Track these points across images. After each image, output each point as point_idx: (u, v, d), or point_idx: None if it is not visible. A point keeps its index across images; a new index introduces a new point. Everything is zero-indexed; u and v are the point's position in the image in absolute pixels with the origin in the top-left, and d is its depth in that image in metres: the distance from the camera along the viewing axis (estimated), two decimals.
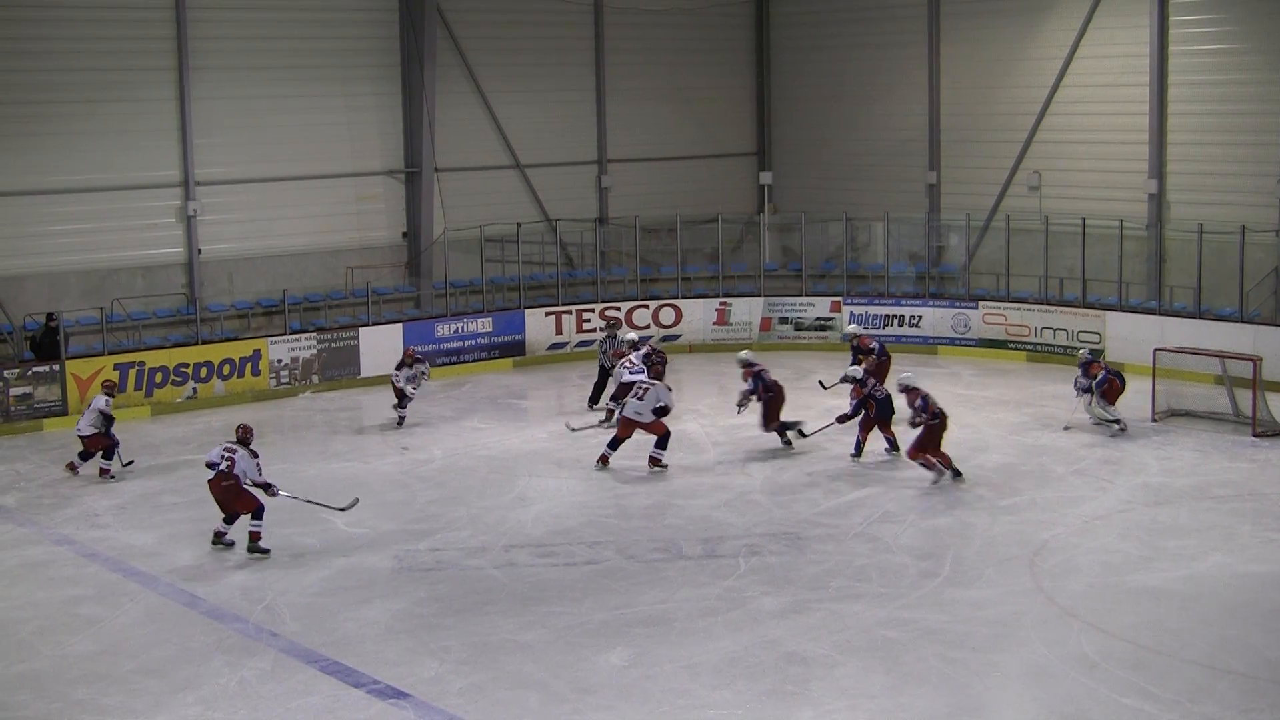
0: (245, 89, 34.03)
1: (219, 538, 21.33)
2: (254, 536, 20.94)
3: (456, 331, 34.48)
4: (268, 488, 21.11)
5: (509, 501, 23.56)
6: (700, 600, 18.79)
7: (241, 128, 34.05)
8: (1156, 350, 29.00)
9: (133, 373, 30.29)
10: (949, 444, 24.35)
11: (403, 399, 29.10)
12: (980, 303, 35.53)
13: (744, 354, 27.34)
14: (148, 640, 17.90)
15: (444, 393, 32.21)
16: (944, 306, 35.93)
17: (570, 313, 36.05)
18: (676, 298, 37.08)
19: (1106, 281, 34.06)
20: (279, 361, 32.01)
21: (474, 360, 34.69)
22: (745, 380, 26.70)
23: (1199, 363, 28.89)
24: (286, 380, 32.09)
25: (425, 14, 35.48)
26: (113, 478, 25.48)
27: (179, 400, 30.80)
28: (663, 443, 25.45)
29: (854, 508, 22.69)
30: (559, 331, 35.89)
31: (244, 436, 21.46)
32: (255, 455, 21.28)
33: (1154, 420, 27.73)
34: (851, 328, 31.74)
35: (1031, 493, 23.44)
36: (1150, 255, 34.35)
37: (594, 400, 30.37)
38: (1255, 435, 26.87)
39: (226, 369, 31.42)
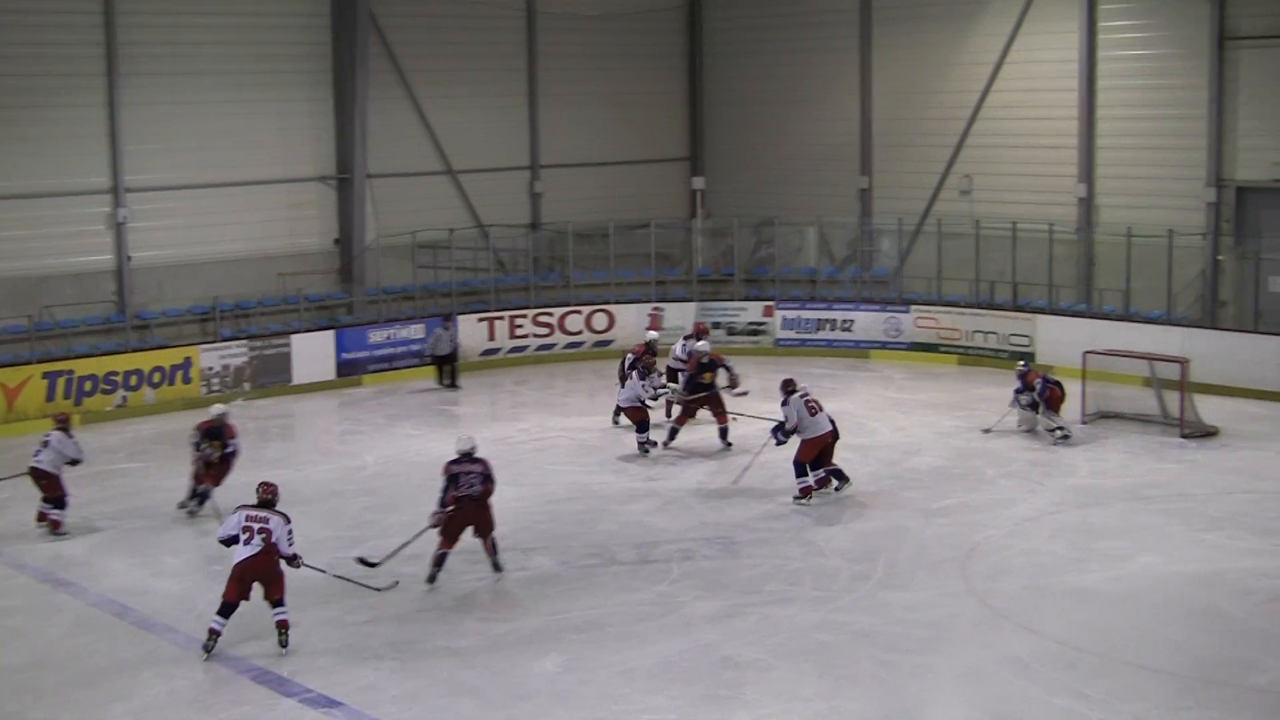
0: (176, 95, 33.75)
1: (214, 639, 17.30)
2: (285, 625, 17.44)
3: (389, 338, 34.33)
4: (294, 560, 17.60)
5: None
6: (634, 605, 18.77)
7: (172, 134, 33.77)
8: (1086, 353, 29.15)
9: (62, 381, 29.99)
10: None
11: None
12: (912, 306, 35.71)
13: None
14: (77, 651, 17.70)
15: (376, 399, 32.10)
16: (876, 310, 36.06)
17: (503, 319, 35.93)
18: (609, 303, 37.07)
19: (1037, 285, 34.29)
20: (210, 369, 31.77)
21: (406, 367, 34.50)
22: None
23: (1128, 365, 29.05)
24: (218, 388, 31.83)
25: (357, 19, 35.34)
26: (65, 534, 22.51)
27: (109, 409, 30.52)
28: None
29: (787, 512, 22.71)
30: (491, 337, 35.77)
31: (269, 497, 17.71)
32: (287, 520, 17.60)
33: (1084, 422, 27.91)
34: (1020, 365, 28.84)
35: (963, 495, 23.53)
36: (1080, 259, 34.63)
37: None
38: (1183, 436, 27.08)
39: (157, 377, 31.15)
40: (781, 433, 23.54)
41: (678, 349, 29.24)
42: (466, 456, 19.85)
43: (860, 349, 35.60)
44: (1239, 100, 32.27)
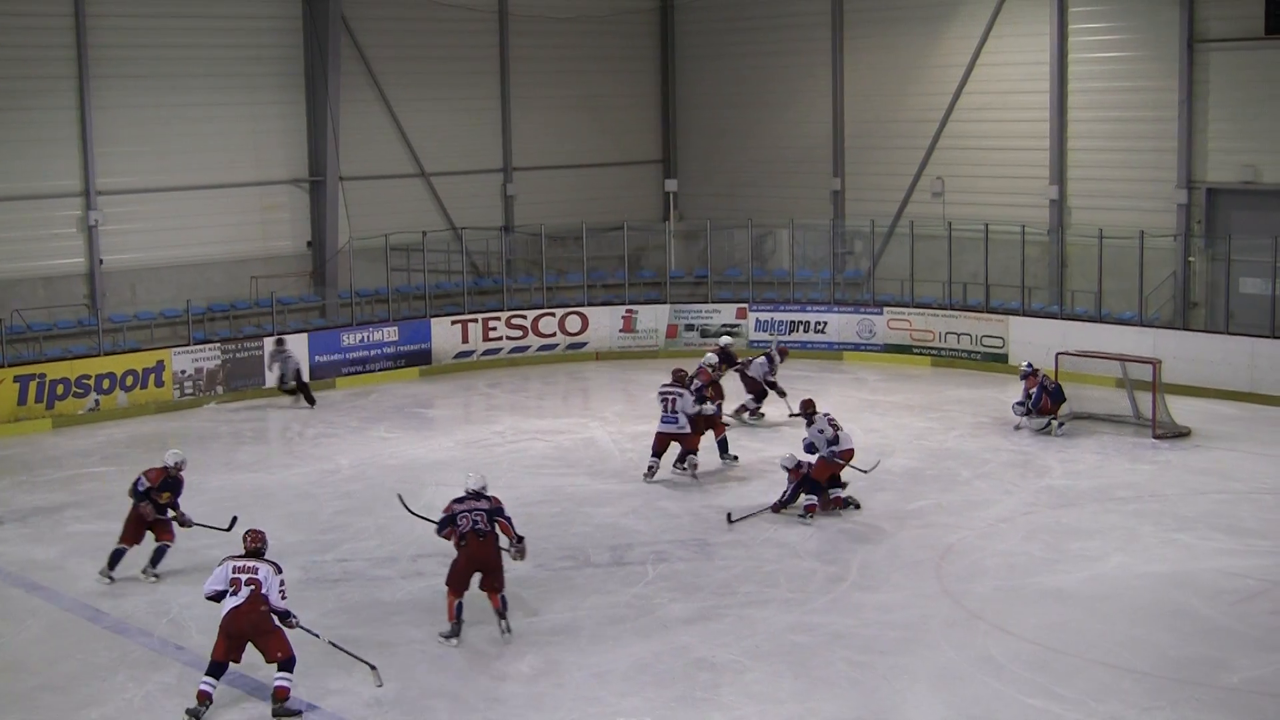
0: (147, 98, 33.67)
1: (204, 703, 15.69)
2: (283, 694, 15.76)
3: (362, 341, 34.26)
4: (287, 617, 15.98)
5: (417, 511, 23.41)
6: (609, 608, 18.78)
7: (144, 137, 33.70)
8: (1059, 354, 29.27)
9: (34, 384, 29.85)
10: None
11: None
12: (885, 308, 35.77)
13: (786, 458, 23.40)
14: (50, 656, 17.62)
15: (349, 402, 32.07)
16: (849, 312, 36.12)
17: (476, 321, 35.89)
18: (582, 305, 37.02)
19: (1009, 286, 34.38)
20: (183, 372, 31.66)
21: (380, 369, 34.47)
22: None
23: (1100, 366, 29.20)
24: (190, 391, 31.74)
25: (329, 22, 35.28)
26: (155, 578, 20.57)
27: (81, 412, 30.38)
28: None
29: (760, 515, 22.73)
30: (465, 340, 35.72)
31: (257, 545, 16.21)
32: (278, 569, 16.06)
33: (1058, 423, 27.91)
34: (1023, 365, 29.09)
35: (937, 497, 23.59)
36: (1052, 260, 34.74)
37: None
38: (1155, 437, 27.19)
39: (129, 380, 31.03)
40: (806, 450, 23.34)
41: (760, 366, 29.12)
42: (473, 495, 17.99)
43: (834, 351, 35.66)
44: (1209, 102, 32.39)
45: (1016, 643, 17.32)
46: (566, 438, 28.46)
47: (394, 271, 36.45)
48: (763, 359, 29.33)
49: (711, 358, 27.87)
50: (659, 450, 25.01)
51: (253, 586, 15.74)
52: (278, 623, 15.88)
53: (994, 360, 33.68)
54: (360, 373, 34.15)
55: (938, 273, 35.53)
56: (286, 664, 15.77)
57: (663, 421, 24.88)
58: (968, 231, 35.18)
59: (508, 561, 18.12)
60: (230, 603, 15.79)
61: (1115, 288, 32.94)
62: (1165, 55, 32.77)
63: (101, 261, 32.93)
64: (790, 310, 36.60)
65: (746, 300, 37.09)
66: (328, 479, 25.66)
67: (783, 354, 29.94)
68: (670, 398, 24.90)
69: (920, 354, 34.95)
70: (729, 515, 22.49)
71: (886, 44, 38.34)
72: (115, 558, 20.34)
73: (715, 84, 42.50)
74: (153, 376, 31.30)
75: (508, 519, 18.03)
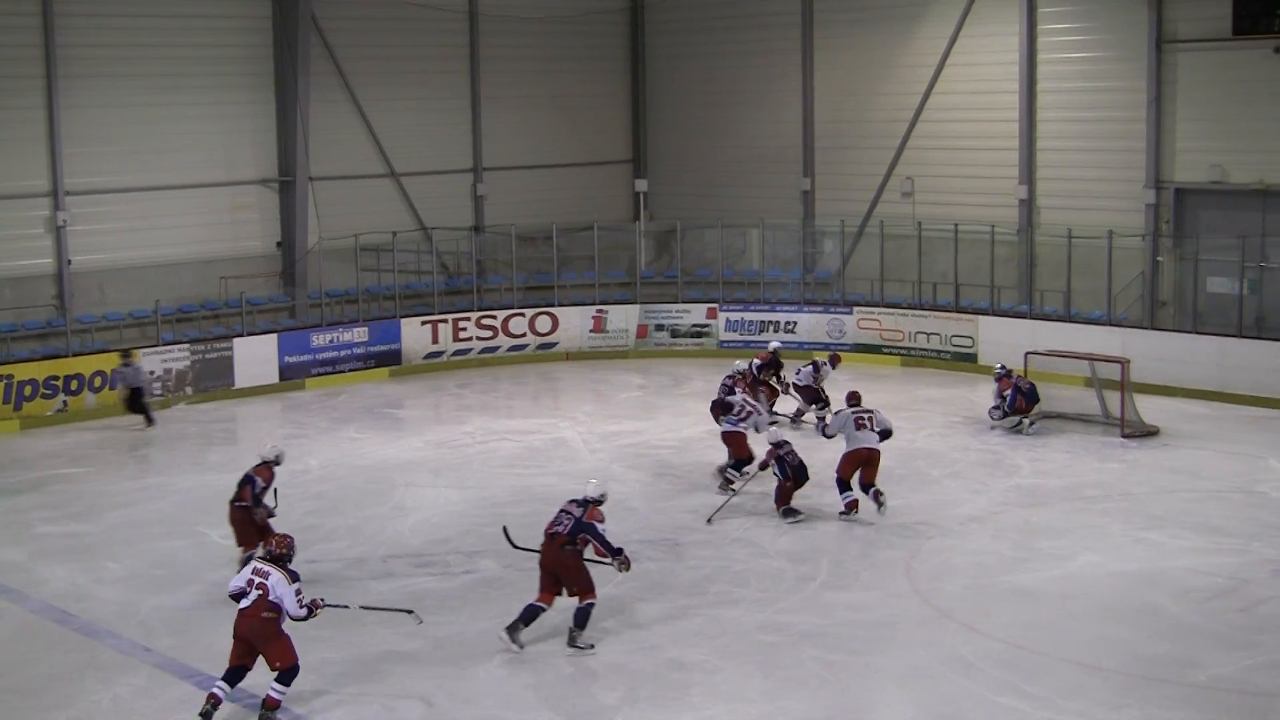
0: (116, 97, 33.51)
1: (211, 705, 15.53)
2: (272, 704, 15.58)
3: (332, 341, 34.20)
4: (311, 612, 15.93)
5: (386, 512, 23.43)
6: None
7: (112, 137, 33.54)
8: (1028, 353, 29.40)
9: (1, 386, 29.70)
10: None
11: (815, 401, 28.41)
12: (855, 308, 35.86)
13: (773, 430, 23.76)
14: (19, 658, 17.57)
15: (319, 403, 32.03)
16: (819, 312, 36.20)
17: (446, 321, 35.87)
18: (553, 305, 37.02)
19: (979, 286, 34.48)
20: (152, 373, 31.53)
21: (350, 370, 34.41)
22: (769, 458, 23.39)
23: (1069, 365, 29.31)
24: (160, 392, 31.62)
25: (299, 22, 35.19)
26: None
27: (49, 413, 30.27)
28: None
29: (731, 513, 22.72)
30: (435, 340, 35.70)
31: (279, 551, 16.06)
32: (295, 578, 15.91)
33: (1029, 422, 27.96)
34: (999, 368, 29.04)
35: (907, 496, 23.59)
36: (1021, 260, 34.87)
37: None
38: (1124, 436, 27.32)
39: (98, 381, 30.89)
40: (824, 433, 23.82)
41: (807, 374, 28.76)
42: (580, 501, 17.92)
43: (804, 350, 35.61)
44: (1177, 103, 32.53)
45: (986, 641, 17.37)
46: (537, 438, 28.46)
47: (364, 272, 36.41)
48: (809, 366, 28.92)
49: (741, 364, 27.35)
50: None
51: (261, 591, 15.62)
52: (288, 631, 15.70)
53: (963, 360, 33.80)
54: (330, 373, 34.08)
55: (907, 272, 35.64)
56: (285, 674, 15.58)
57: (728, 423, 24.56)
58: (937, 231, 35.26)
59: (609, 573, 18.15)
60: (241, 604, 15.73)
61: (1084, 287, 33.07)
62: (1134, 56, 32.90)
63: (70, 262, 32.78)
64: (760, 310, 36.66)
65: (717, 300, 37.11)
66: (298, 479, 25.52)
67: (834, 361, 29.28)
68: (747, 410, 24.64)
69: (890, 353, 35.02)
70: (709, 519, 22.54)
71: (856, 44, 38.42)
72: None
73: (685, 84, 42.53)
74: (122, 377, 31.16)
75: (597, 534, 17.66)
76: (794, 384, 28.79)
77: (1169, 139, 32.69)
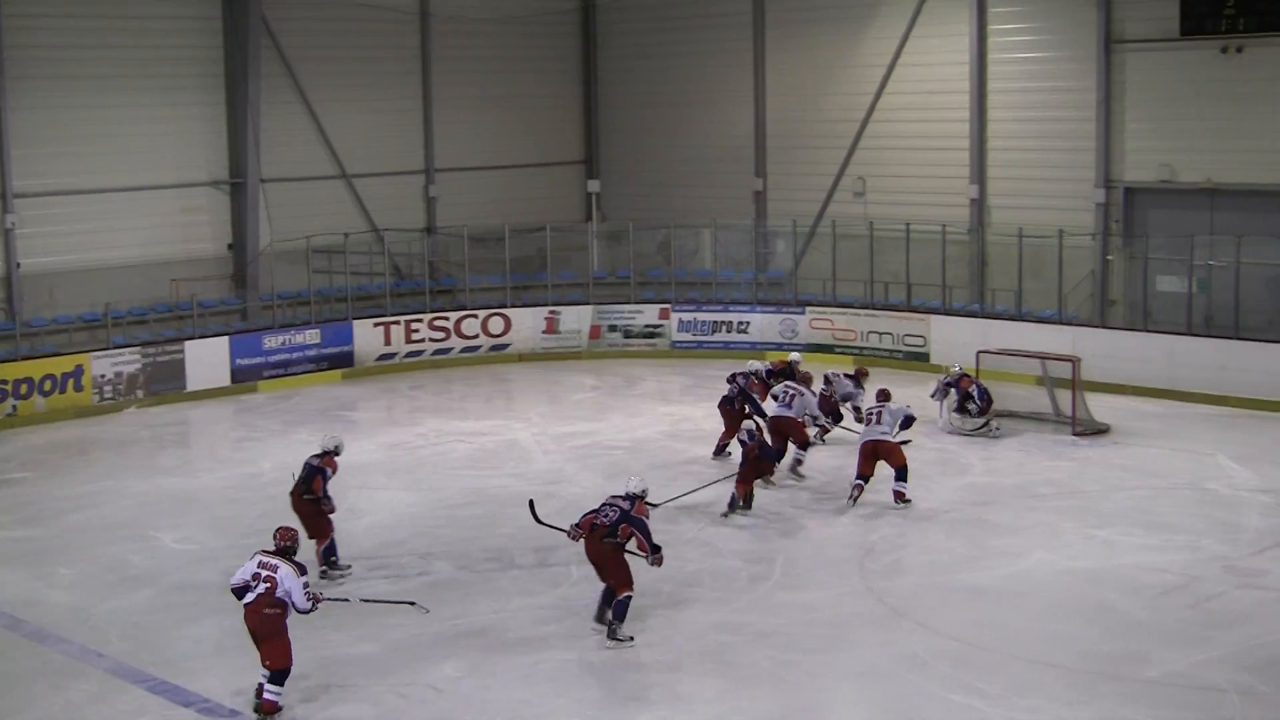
0: (65, 99, 33.19)
1: (260, 697, 15.62)
2: (270, 709, 15.52)
3: (284, 344, 34.05)
4: (313, 607, 15.81)
5: (340, 514, 23.13)
6: (534, 609, 18.77)
7: (62, 138, 33.23)
8: (980, 352, 29.51)
9: None
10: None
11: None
12: (807, 308, 35.95)
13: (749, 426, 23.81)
14: None
15: (272, 405, 31.91)
16: (771, 312, 36.29)
17: (399, 323, 35.78)
18: (505, 307, 36.97)
19: (930, 286, 34.60)
20: (102, 377, 31.35)
21: (302, 372, 34.27)
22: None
23: (1020, 364, 29.43)
24: (110, 396, 31.45)
25: (249, 23, 35.04)
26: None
27: None
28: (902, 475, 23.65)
29: (684, 514, 22.70)
30: (388, 342, 35.60)
31: (285, 544, 15.98)
32: (303, 570, 15.86)
33: (995, 426, 27.92)
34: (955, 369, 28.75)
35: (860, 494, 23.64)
36: (972, 259, 35.02)
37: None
38: (1075, 434, 27.46)
39: (48, 385, 30.67)
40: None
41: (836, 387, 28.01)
42: (627, 496, 18.01)
43: (756, 351, 35.68)
44: (1126, 102, 32.77)
45: (939, 639, 17.45)
46: (490, 439, 28.42)
47: (316, 274, 36.25)
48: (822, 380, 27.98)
49: (755, 364, 27.10)
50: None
51: (268, 584, 15.44)
52: (289, 634, 15.59)
53: (916, 359, 33.92)
54: (282, 375, 33.92)
55: (859, 272, 35.72)
56: (277, 675, 15.47)
57: (777, 408, 24.92)
58: (889, 231, 35.35)
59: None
60: (246, 599, 15.56)
61: (1035, 286, 33.26)
62: (1083, 56, 33.11)
63: (19, 265, 32.47)
64: (713, 310, 36.71)
65: (669, 301, 37.14)
66: (250, 483, 25.49)
67: (860, 375, 27.89)
68: (791, 394, 24.95)
69: (843, 353, 35.00)
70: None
71: (808, 44, 38.50)
72: (330, 552, 20.24)
73: (637, 84, 42.54)
74: (71, 381, 30.95)
75: (644, 529, 17.77)
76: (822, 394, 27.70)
77: (1118, 138, 32.92)
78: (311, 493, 20.09)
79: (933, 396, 28.14)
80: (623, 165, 43.13)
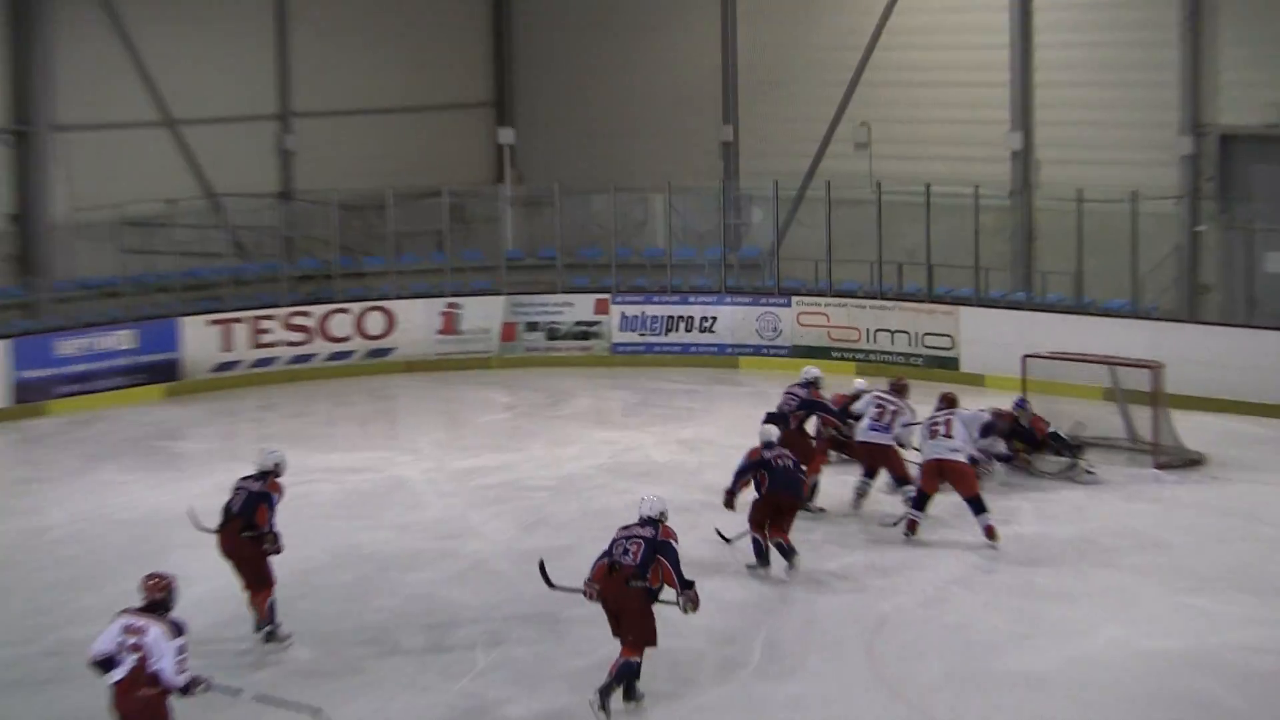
0: None
1: None
2: None
3: (85, 350, 33.74)
4: (188, 688, 14.62)
5: None
6: (425, 709, 18.33)
7: None
8: (1026, 357, 29.20)
9: None
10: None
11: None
12: (794, 298, 35.96)
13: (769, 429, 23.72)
14: None
15: (66, 434, 31.71)
16: (746, 304, 36.30)
17: (243, 321, 35.63)
18: (387, 298, 36.99)
19: (960, 268, 34.52)
20: None
21: (110, 389, 33.99)
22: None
23: (1082, 372, 29.34)
24: None
25: None
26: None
27: None
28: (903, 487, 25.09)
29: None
30: (228, 347, 35.44)
31: (158, 596, 14.94)
32: (178, 631, 14.73)
33: (1086, 466, 27.66)
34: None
35: (866, 552, 23.46)
36: (1016, 232, 34.92)
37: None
38: (1158, 467, 27.30)
39: None
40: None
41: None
42: (643, 521, 18.00)
43: (726, 355, 35.61)
44: (1220, 23, 32.69)
45: None
46: (365, 478, 28.21)
47: (129, 254, 36.10)
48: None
49: (815, 371, 26.89)
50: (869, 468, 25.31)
51: (137, 655, 14.42)
52: (169, 708, 14.58)
53: (940, 366, 33.77)
54: (82, 393, 33.63)
55: (864, 250, 35.58)
56: None
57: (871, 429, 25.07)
58: (903, 195, 35.22)
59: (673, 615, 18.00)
60: (113, 676, 14.53)
61: (1100, 267, 33.22)
62: None
63: None
64: (667, 303, 36.68)
65: (608, 289, 37.10)
66: (35, 540, 25.09)
67: (900, 389, 26.66)
68: (893, 409, 25.13)
69: (841, 359, 34.94)
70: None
71: None
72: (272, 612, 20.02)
73: (567, 5, 42.50)
74: None
75: (674, 558, 17.73)
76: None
77: (1210, 70, 32.99)
78: (254, 528, 19.69)
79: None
80: (546, 110, 43.25)
